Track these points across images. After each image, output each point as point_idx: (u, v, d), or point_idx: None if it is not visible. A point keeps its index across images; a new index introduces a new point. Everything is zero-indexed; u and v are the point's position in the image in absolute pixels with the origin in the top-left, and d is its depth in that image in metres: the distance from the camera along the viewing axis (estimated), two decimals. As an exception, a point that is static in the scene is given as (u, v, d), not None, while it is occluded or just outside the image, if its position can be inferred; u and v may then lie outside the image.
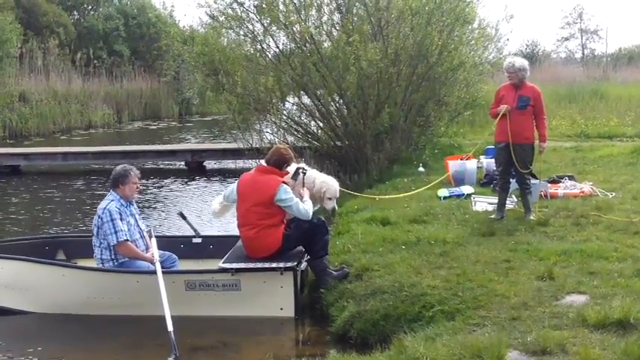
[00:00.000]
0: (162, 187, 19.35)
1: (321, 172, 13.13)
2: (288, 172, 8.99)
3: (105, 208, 8.89)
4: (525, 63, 10.56)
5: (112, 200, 8.98)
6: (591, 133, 21.70)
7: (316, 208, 9.27)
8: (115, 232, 8.78)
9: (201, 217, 14.69)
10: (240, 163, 20.44)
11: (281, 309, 8.57)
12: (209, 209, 9.46)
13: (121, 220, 8.87)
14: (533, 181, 10.85)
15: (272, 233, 8.61)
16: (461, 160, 14.05)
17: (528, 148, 10.41)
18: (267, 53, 17.29)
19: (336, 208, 9.27)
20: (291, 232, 8.66)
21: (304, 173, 9.17)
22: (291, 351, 7.94)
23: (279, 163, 8.87)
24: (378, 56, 15.11)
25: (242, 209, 8.83)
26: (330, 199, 9.18)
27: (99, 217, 8.90)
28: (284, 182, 8.69)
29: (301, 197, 8.83)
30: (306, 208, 8.69)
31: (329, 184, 9.32)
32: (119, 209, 8.92)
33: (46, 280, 9.01)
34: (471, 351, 5.85)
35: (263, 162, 9.13)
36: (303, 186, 9.07)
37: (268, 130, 17.65)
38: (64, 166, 23.36)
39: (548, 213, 10.70)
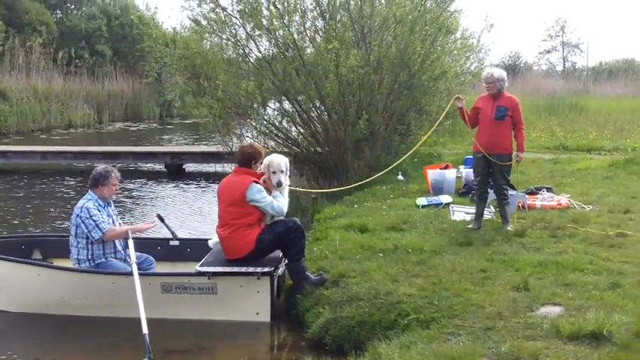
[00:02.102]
0: (141, 188, 19.30)
1: (300, 177, 13.15)
2: (261, 172, 8.91)
3: (82, 206, 8.87)
4: (504, 74, 10.63)
5: (90, 200, 8.97)
6: (570, 145, 21.83)
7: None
8: (97, 226, 8.78)
9: (180, 219, 14.67)
10: (219, 167, 20.41)
11: (257, 314, 8.56)
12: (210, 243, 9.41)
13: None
14: (511, 192, 10.90)
15: (246, 234, 8.58)
16: (440, 169, 14.10)
17: (506, 159, 10.46)
18: (250, 58, 17.28)
19: (282, 181, 8.79)
20: (265, 235, 8.64)
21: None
22: (266, 356, 7.94)
23: (245, 161, 8.86)
24: (358, 63, 15.14)
25: (219, 210, 8.87)
26: (274, 172, 8.81)
27: (77, 215, 8.88)
28: (255, 181, 8.67)
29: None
30: (279, 204, 8.69)
31: (272, 158, 8.98)
32: (97, 208, 8.90)
33: (21, 279, 8.97)
34: (445, 359, 5.86)
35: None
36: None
37: (249, 134, 17.64)
38: (43, 165, 23.25)
39: (526, 224, 10.74)
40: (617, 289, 7.61)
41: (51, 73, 39.33)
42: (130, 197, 17.78)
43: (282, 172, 8.84)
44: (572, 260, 8.67)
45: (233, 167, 9.81)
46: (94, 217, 8.80)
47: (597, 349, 6.03)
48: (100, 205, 8.98)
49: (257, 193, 8.59)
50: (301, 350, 7.70)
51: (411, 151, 13.23)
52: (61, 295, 8.78)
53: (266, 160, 8.90)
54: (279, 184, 8.80)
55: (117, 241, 9.09)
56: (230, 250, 8.71)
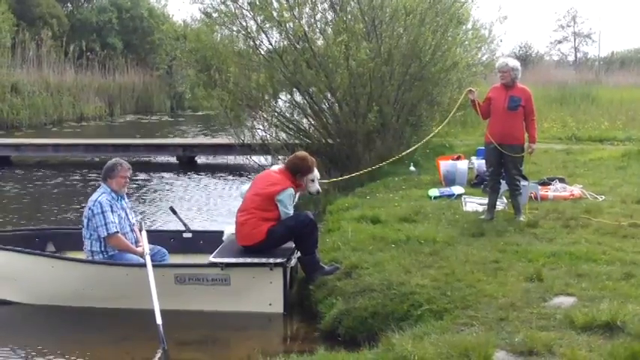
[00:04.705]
0: (153, 181, 19.35)
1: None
2: (302, 185, 9.08)
3: (96, 200, 8.90)
4: (518, 64, 10.61)
5: (103, 193, 8.99)
6: (582, 136, 21.76)
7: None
8: (105, 224, 8.80)
9: (192, 211, 14.70)
10: (231, 159, 20.43)
11: (270, 304, 8.58)
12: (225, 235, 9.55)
13: (112, 212, 8.89)
14: (523, 182, 10.88)
15: (260, 224, 8.63)
16: (452, 160, 14.08)
17: (518, 149, 10.44)
18: (260, 50, 17.27)
19: (320, 190, 9.27)
20: (278, 227, 8.68)
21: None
22: (279, 347, 7.93)
23: (293, 169, 9.00)
24: (369, 55, 15.10)
25: (247, 195, 8.97)
26: (312, 180, 9.11)
27: (89, 209, 8.91)
28: (293, 188, 8.81)
29: None
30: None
31: None
32: (110, 202, 8.93)
33: (35, 271, 9.01)
34: (458, 350, 5.86)
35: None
36: None
37: (260, 126, 17.65)
38: (55, 157, 23.33)
39: (538, 215, 10.72)
40: (631, 279, 7.57)
41: (62, 66, 39.42)
42: (143, 190, 17.82)
43: (317, 179, 9.23)
44: (585, 251, 8.65)
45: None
46: (105, 214, 8.82)
47: (611, 340, 6.01)
48: (113, 198, 9.01)
49: (288, 197, 8.72)
50: (314, 341, 7.71)
51: (421, 142, 13.21)
52: (75, 286, 8.81)
53: None
54: (318, 192, 9.32)
55: (129, 233, 9.12)
56: (241, 235, 8.78)
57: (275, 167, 9.59)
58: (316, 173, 9.21)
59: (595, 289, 7.29)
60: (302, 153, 9.48)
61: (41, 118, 35.19)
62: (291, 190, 8.75)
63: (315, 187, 9.16)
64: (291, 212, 8.77)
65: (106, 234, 8.81)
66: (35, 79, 36.41)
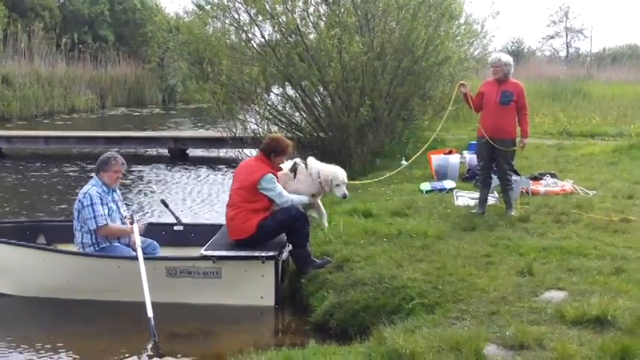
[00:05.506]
0: (144, 173, 19.31)
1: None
2: (279, 166, 9.03)
3: (86, 192, 8.89)
4: (511, 59, 10.66)
5: (94, 185, 8.98)
6: (574, 131, 21.81)
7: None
8: (94, 217, 8.79)
9: (184, 204, 14.69)
10: (223, 152, 20.42)
11: (261, 298, 8.59)
12: None
13: (102, 204, 8.87)
14: (515, 177, 10.90)
15: (249, 218, 8.63)
16: (444, 154, 14.10)
17: (510, 144, 10.46)
18: (253, 43, 17.25)
19: (347, 194, 9.19)
20: (269, 221, 8.67)
21: (303, 164, 9.22)
22: (271, 340, 7.94)
23: (266, 150, 8.91)
24: (361, 49, 15.09)
25: (231, 190, 8.96)
26: (338, 185, 9.08)
27: (79, 201, 8.90)
28: (272, 172, 8.71)
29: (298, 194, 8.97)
30: (290, 197, 8.74)
31: (335, 172, 9.17)
32: (100, 194, 8.92)
33: (26, 263, 9.00)
34: (449, 344, 5.87)
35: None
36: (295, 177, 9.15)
37: (252, 119, 17.63)
38: (46, 150, 23.27)
39: (529, 209, 10.75)
40: (621, 274, 7.61)
41: (54, 58, 39.27)
42: (134, 182, 17.78)
43: (344, 183, 9.11)
44: (576, 245, 8.68)
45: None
46: (94, 207, 8.81)
47: (601, 334, 6.04)
48: (104, 191, 8.99)
49: (269, 182, 8.65)
50: (306, 334, 7.73)
51: (424, 146, 13.17)
52: (66, 279, 8.80)
53: (329, 174, 9.08)
54: (345, 197, 9.16)
55: (121, 225, 9.10)
56: (232, 230, 8.79)
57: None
58: (343, 177, 9.15)
59: (586, 284, 7.32)
60: (276, 134, 9.58)
61: (32, 110, 35.05)
62: (270, 176, 8.67)
63: (342, 190, 9.09)
64: (281, 191, 8.71)
65: (95, 226, 8.80)
66: (27, 71, 36.26)
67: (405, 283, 7.63)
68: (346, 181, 9.21)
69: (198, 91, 17.95)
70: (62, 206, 14.50)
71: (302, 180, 9.13)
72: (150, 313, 7.68)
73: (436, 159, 13.80)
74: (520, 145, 10.53)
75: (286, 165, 9.18)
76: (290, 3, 15.96)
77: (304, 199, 9.00)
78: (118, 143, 22.27)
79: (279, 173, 9.03)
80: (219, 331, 8.09)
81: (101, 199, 8.91)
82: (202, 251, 8.66)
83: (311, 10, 16.66)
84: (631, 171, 14.26)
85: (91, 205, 8.81)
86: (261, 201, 8.67)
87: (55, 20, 42.82)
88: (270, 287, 8.58)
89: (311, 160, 9.36)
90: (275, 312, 8.60)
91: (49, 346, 7.65)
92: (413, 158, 12.29)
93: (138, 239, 8.75)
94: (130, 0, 48.77)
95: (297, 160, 9.37)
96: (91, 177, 9.31)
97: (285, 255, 8.93)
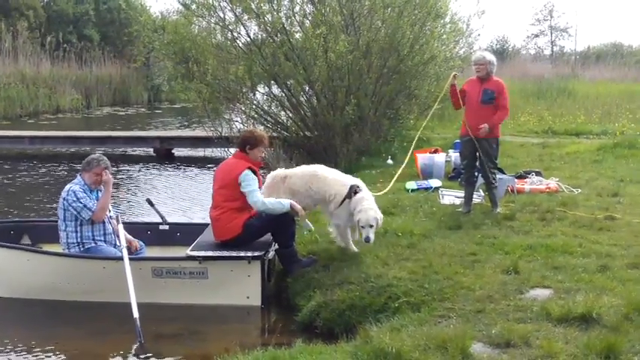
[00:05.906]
0: (130, 173, 19.24)
1: (290, 162, 13.08)
2: (259, 160, 9.03)
3: (69, 190, 8.87)
4: (494, 58, 10.66)
5: (77, 184, 8.96)
6: (558, 129, 21.86)
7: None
8: (85, 206, 8.78)
9: (169, 204, 14.65)
10: (208, 152, 20.38)
11: (247, 298, 8.58)
12: None
13: (88, 199, 8.87)
14: (500, 175, 10.91)
15: (234, 218, 8.61)
16: (429, 153, 14.11)
17: (493, 142, 10.46)
18: (238, 42, 17.23)
19: (371, 239, 8.45)
20: (254, 220, 8.65)
21: (356, 192, 8.68)
22: (257, 340, 7.93)
23: (241, 144, 8.92)
24: (347, 48, 15.10)
25: (213, 191, 8.93)
26: (363, 227, 8.48)
27: (64, 199, 8.87)
28: (250, 168, 8.67)
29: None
30: (261, 200, 8.55)
31: (367, 216, 8.47)
32: (83, 191, 8.89)
33: (11, 264, 8.95)
34: (435, 342, 5.89)
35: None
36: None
37: (238, 119, 17.61)
38: (31, 150, 23.17)
39: (515, 208, 10.77)
40: (606, 271, 7.65)
41: (39, 57, 39.07)
42: (120, 182, 17.72)
43: (370, 226, 8.46)
44: (562, 243, 8.71)
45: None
46: (81, 200, 8.80)
47: (587, 332, 6.06)
48: (86, 189, 8.96)
49: (244, 178, 8.56)
50: (292, 334, 7.71)
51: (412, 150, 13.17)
52: (52, 280, 8.76)
53: (357, 214, 8.47)
54: (367, 241, 8.46)
55: (106, 225, 9.07)
56: (218, 231, 8.76)
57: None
58: (370, 219, 8.44)
59: (571, 282, 7.35)
60: (251, 128, 9.44)
61: (17, 110, 34.88)
62: (248, 172, 8.57)
63: (367, 233, 8.44)
64: (254, 190, 8.49)
65: (91, 213, 8.80)
66: (11, 71, 36.08)
67: (391, 282, 7.65)
68: (372, 223, 8.46)
69: (183, 90, 17.92)
70: (48, 206, 14.43)
71: (343, 206, 8.72)
72: (136, 313, 7.66)
73: (422, 158, 13.81)
74: (478, 127, 10.25)
75: (344, 189, 8.73)
76: (276, 2, 16.02)
77: (279, 206, 8.54)
78: (104, 143, 22.21)
79: (271, 182, 9.06)
80: (206, 332, 8.06)
81: (85, 193, 8.89)
82: (188, 251, 8.63)
83: (297, 9, 16.72)
84: (615, 169, 14.33)
85: (77, 199, 8.79)
86: (242, 198, 8.62)
87: (40, 20, 42.61)
88: (256, 287, 8.57)
89: (364, 192, 8.78)
90: (261, 312, 8.60)
91: (33, 347, 7.61)
92: (407, 160, 12.12)
93: (123, 239, 8.73)
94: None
95: (356, 183, 8.86)
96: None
97: (271, 254, 8.91)
